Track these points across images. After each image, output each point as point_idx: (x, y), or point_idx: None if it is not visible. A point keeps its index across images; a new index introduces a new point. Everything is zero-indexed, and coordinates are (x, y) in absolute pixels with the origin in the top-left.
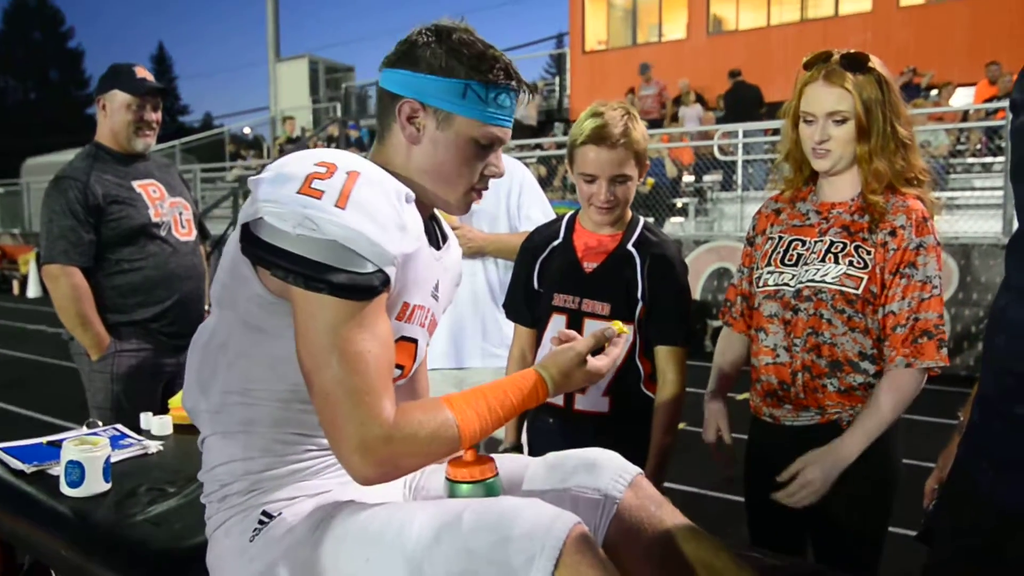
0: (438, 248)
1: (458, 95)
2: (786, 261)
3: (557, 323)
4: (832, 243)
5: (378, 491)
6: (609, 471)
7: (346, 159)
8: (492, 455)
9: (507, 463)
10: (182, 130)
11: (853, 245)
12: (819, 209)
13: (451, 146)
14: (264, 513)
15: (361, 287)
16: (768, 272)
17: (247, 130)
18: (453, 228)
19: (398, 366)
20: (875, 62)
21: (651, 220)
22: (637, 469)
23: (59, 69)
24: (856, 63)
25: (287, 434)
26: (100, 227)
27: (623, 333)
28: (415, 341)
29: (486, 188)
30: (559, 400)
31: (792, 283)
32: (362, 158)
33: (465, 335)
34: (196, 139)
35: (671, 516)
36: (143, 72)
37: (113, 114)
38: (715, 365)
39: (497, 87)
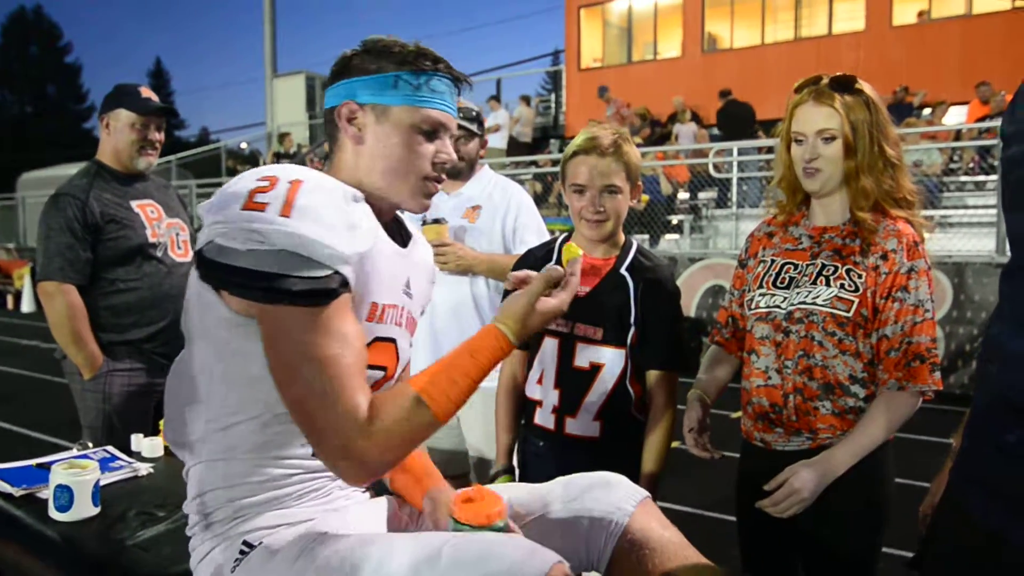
0: (404, 246)
1: (389, 87)
2: (778, 284)
3: (549, 347)
4: (823, 266)
5: (368, 518)
6: (622, 489)
7: (288, 170)
8: (504, 486)
9: (518, 490)
10: (178, 145)
11: (844, 268)
12: (811, 233)
13: (393, 137)
14: (245, 543)
15: (319, 291)
16: (760, 294)
17: (244, 145)
18: (444, 245)
19: (380, 367)
20: (863, 84)
21: (645, 237)
22: (646, 493)
23: (56, 84)
24: (844, 85)
25: (269, 458)
26: (97, 246)
27: (577, 257)
28: (393, 341)
29: (440, 179)
30: (550, 424)
31: (784, 305)
32: (307, 168)
33: (444, 349)
34: (192, 154)
35: (676, 537)
36: (148, 92)
37: (117, 133)
38: (699, 377)
39: (427, 73)
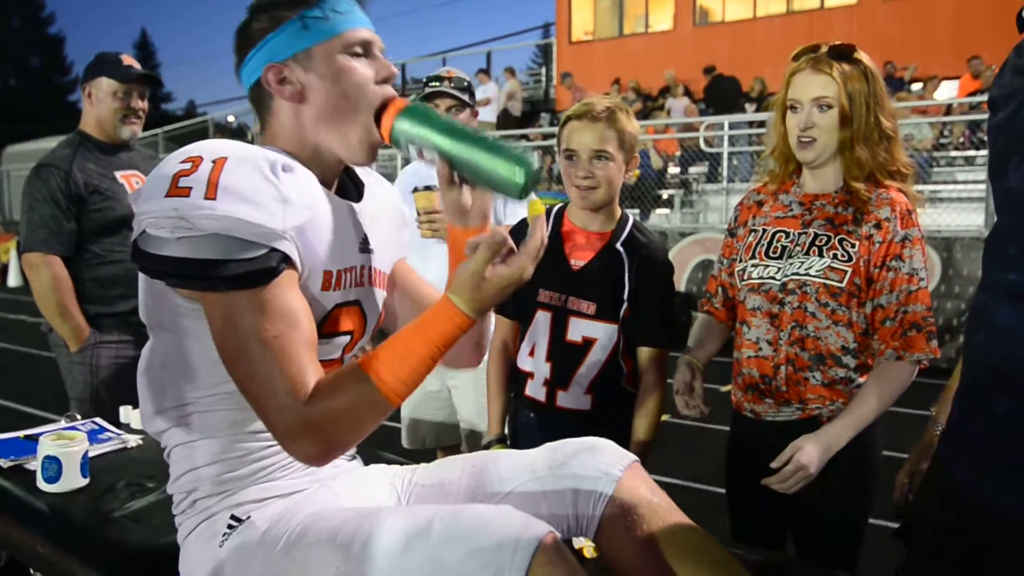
0: (356, 200)
1: (300, 30)
2: (770, 254)
3: (542, 320)
4: (816, 236)
5: (359, 489)
6: (609, 454)
7: (213, 147)
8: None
9: (506, 457)
10: (165, 118)
11: (837, 238)
12: (802, 200)
13: (328, 74)
14: (233, 517)
15: (256, 272)
16: (752, 265)
17: (231, 118)
18: (436, 212)
19: (346, 332)
20: (861, 54)
21: (636, 212)
22: (634, 456)
23: (40, 55)
24: (843, 54)
25: (246, 433)
26: (81, 217)
27: (539, 215)
28: (357, 303)
29: (390, 99)
30: (541, 396)
31: (778, 276)
32: (235, 142)
33: None
34: (180, 127)
35: (665, 502)
36: (130, 60)
37: (99, 102)
38: (688, 346)
39: (325, 3)
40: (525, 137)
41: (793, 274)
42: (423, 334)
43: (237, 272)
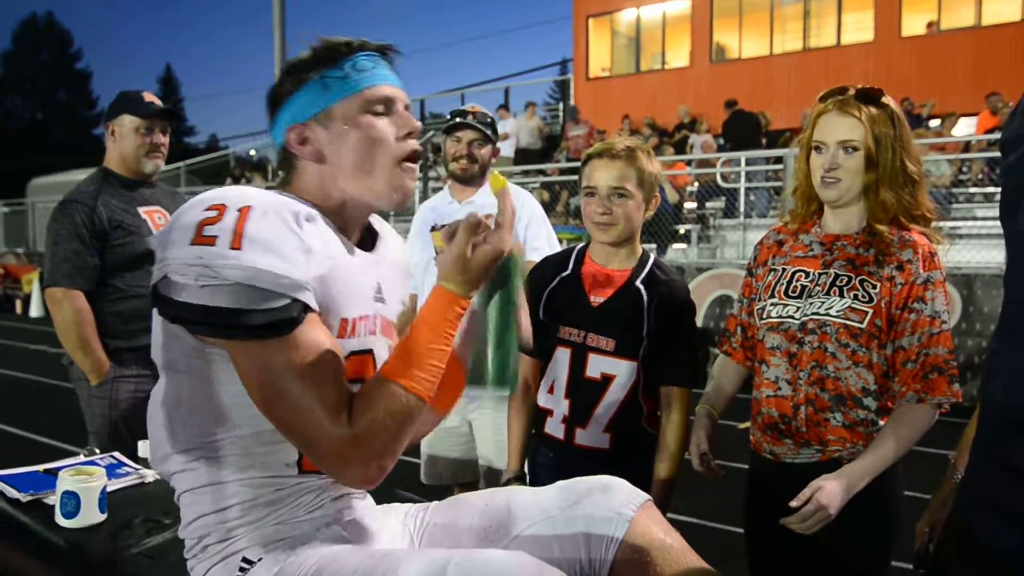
0: (370, 250)
1: (321, 91)
2: (790, 293)
3: (561, 356)
4: (837, 276)
5: (372, 530)
6: (622, 493)
7: (238, 195)
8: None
9: (519, 496)
10: (188, 151)
11: (858, 279)
12: (823, 241)
13: (347, 133)
14: (245, 559)
15: (279, 322)
16: (772, 304)
17: (253, 152)
18: None
19: (358, 380)
20: (888, 98)
21: (653, 246)
22: (647, 496)
23: (67, 90)
24: (870, 97)
25: (256, 479)
26: (104, 252)
27: (503, 187)
28: (370, 351)
29: (415, 159)
30: (560, 434)
31: (797, 316)
32: (258, 189)
33: None
34: (201, 160)
35: (679, 543)
36: (151, 97)
37: (123, 138)
38: (707, 390)
39: (347, 59)
40: (542, 172)
41: (813, 313)
42: (429, 326)
43: (259, 322)
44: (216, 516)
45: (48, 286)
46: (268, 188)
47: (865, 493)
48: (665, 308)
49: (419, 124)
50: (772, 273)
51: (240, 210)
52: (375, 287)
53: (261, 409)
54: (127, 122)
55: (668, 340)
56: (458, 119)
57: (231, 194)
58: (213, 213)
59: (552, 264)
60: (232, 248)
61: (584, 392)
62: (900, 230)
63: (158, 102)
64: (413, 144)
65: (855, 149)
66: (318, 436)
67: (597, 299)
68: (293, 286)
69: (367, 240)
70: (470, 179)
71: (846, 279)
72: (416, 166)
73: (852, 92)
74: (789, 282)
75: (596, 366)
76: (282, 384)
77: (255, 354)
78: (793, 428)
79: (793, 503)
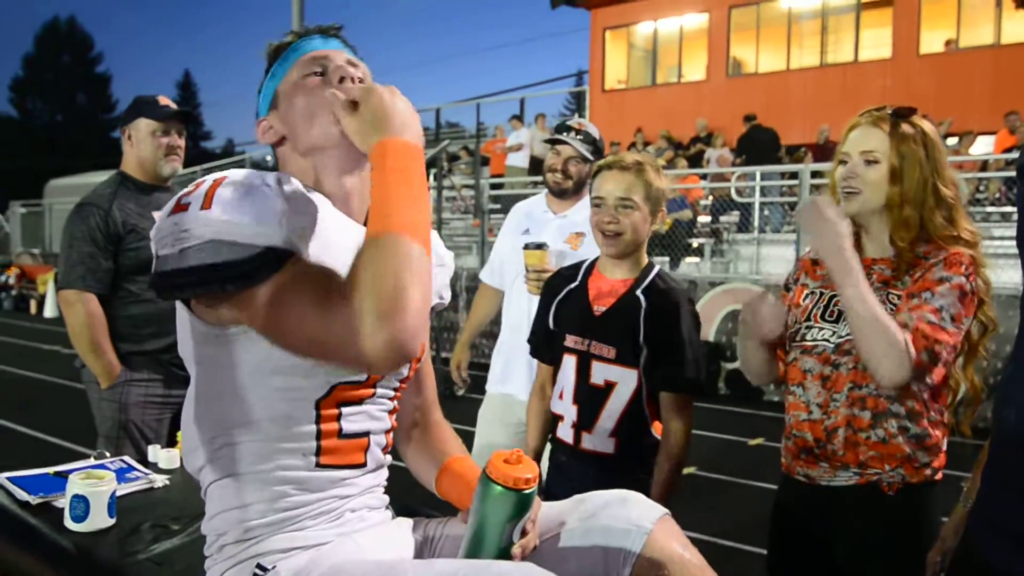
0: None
1: (269, 82)
2: (827, 317)
3: (568, 364)
4: None
5: (384, 541)
6: (641, 506)
7: (218, 174)
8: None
9: (539, 509)
10: (204, 156)
11: (886, 294)
12: (862, 264)
13: (291, 104)
14: (259, 566)
15: (265, 264)
16: (807, 327)
17: (269, 157)
18: (545, 271)
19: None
20: (923, 120)
21: (666, 260)
22: (665, 510)
23: (87, 93)
24: (903, 115)
25: (275, 474)
26: (118, 255)
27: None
28: None
29: (353, 96)
30: (569, 438)
31: (832, 339)
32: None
33: (512, 362)
34: (218, 165)
35: (697, 558)
36: (166, 100)
37: (139, 142)
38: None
39: (290, 47)
40: None
41: (848, 335)
42: (380, 168)
43: (246, 272)
44: (237, 513)
45: (61, 288)
46: None
47: (900, 521)
48: (660, 314)
49: (352, 70)
50: (810, 296)
51: (215, 180)
52: None
53: (292, 349)
54: (143, 126)
55: (665, 347)
56: (560, 134)
57: (214, 175)
58: (190, 187)
59: (563, 276)
60: (203, 209)
61: (589, 398)
62: (938, 250)
63: (173, 105)
64: (350, 90)
65: (876, 162)
66: (334, 328)
67: (599, 308)
68: (267, 235)
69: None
70: (563, 193)
71: (881, 297)
72: (352, 105)
73: (888, 109)
74: (826, 306)
75: (600, 373)
76: (290, 313)
77: (255, 302)
78: (829, 452)
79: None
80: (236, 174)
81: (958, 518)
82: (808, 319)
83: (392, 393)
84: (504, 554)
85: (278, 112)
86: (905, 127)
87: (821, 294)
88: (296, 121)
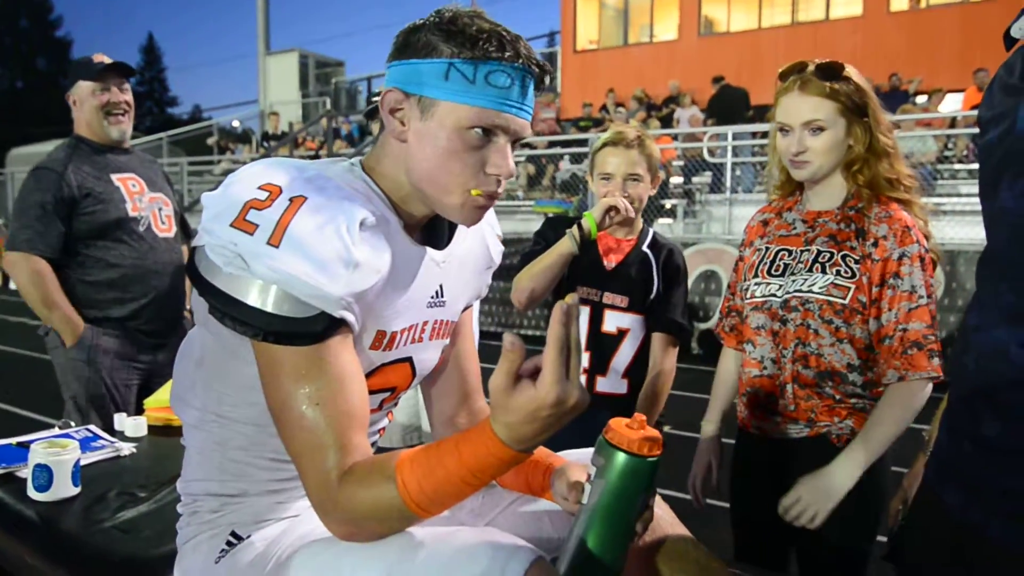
0: (441, 246)
1: (440, 77)
2: (773, 272)
3: (582, 314)
4: (819, 252)
5: None
6: None
7: (295, 179)
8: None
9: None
10: (170, 122)
11: (840, 255)
12: (805, 218)
13: (435, 139)
14: (233, 534)
15: (299, 334)
16: (755, 283)
17: (236, 123)
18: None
19: (387, 388)
20: (851, 71)
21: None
22: None
23: (46, 58)
24: (831, 72)
25: (262, 459)
26: (73, 219)
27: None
28: (408, 360)
29: (495, 194)
30: (583, 384)
31: (779, 293)
32: (321, 174)
33: None
34: (184, 131)
35: (668, 515)
36: (100, 57)
37: (82, 104)
38: (715, 391)
39: (488, 63)
40: (529, 145)
41: (795, 291)
42: (457, 449)
43: (278, 330)
44: (217, 485)
45: (7, 250)
46: (351, 155)
47: None
48: (670, 268)
49: (512, 169)
50: (756, 253)
51: (292, 199)
52: (435, 291)
53: (271, 413)
54: (83, 88)
55: (669, 295)
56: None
57: (291, 176)
58: (263, 195)
59: (557, 224)
60: (270, 243)
61: (602, 345)
62: (877, 203)
63: (107, 59)
64: (492, 186)
65: (821, 129)
66: (308, 474)
67: (610, 263)
68: (325, 300)
69: (441, 234)
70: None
71: (828, 255)
72: (490, 204)
73: (812, 68)
74: (772, 261)
75: (612, 321)
76: (291, 405)
77: (272, 360)
78: (780, 406)
79: (780, 510)
80: (317, 198)
81: (919, 466)
82: (756, 275)
83: (397, 397)
84: (632, 534)
85: (419, 117)
86: (840, 86)
87: (767, 249)
88: (424, 168)
